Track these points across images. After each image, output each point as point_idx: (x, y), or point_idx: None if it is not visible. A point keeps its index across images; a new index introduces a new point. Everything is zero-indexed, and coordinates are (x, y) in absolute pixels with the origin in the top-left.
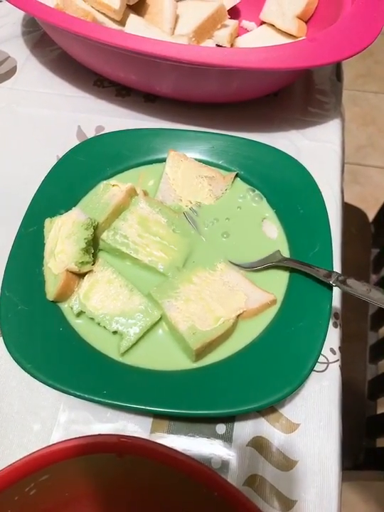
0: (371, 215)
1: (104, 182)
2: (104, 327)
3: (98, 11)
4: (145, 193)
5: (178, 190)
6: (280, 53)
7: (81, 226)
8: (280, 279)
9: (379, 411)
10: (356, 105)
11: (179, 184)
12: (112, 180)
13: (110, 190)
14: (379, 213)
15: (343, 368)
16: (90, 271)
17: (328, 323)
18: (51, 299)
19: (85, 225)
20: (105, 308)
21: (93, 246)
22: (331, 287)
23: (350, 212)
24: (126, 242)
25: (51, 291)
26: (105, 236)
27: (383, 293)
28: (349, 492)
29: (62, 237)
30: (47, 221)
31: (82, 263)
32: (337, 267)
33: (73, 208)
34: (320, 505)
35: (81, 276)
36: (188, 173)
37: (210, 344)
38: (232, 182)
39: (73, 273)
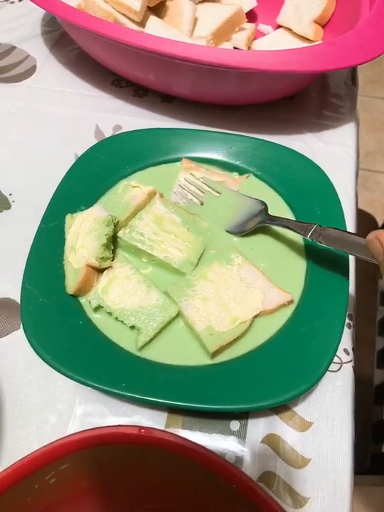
0: (380, 220)
1: (125, 182)
2: (122, 322)
3: (119, 12)
4: (161, 195)
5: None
6: (299, 56)
7: (102, 222)
8: (297, 277)
9: None
10: (365, 111)
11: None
12: (132, 181)
13: (131, 191)
14: None
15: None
16: (109, 267)
17: (344, 324)
18: (71, 293)
19: (106, 222)
20: (123, 304)
21: (113, 243)
22: (347, 285)
23: (359, 217)
24: (142, 239)
25: (71, 285)
26: (122, 233)
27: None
28: (355, 496)
29: (83, 233)
30: (68, 217)
31: (103, 259)
32: (351, 268)
33: (94, 205)
34: (333, 504)
35: (100, 271)
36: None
37: (226, 345)
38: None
39: (93, 268)
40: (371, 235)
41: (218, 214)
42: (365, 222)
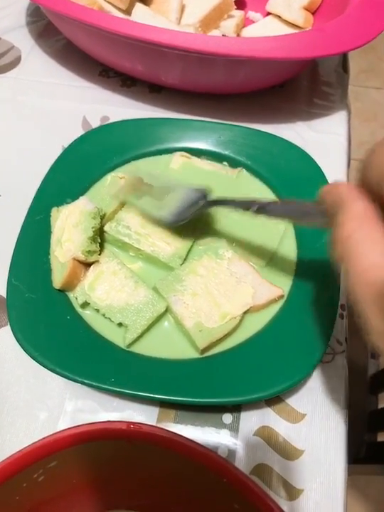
0: None
1: (112, 174)
2: (109, 319)
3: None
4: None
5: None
6: (288, 43)
7: (88, 215)
8: (287, 270)
9: (380, 406)
10: (358, 101)
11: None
12: (119, 173)
13: (118, 183)
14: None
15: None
16: (96, 261)
17: (337, 314)
18: (57, 288)
19: (92, 214)
20: (110, 300)
21: (100, 236)
22: (338, 279)
23: None
24: (129, 233)
25: (58, 279)
26: (108, 227)
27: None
28: (350, 486)
29: (70, 226)
30: (54, 210)
31: (89, 252)
32: None
33: (80, 198)
34: (326, 494)
35: (87, 266)
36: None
37: (216, 341)
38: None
39: (80, 262)
40: (326, 186)
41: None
42: None
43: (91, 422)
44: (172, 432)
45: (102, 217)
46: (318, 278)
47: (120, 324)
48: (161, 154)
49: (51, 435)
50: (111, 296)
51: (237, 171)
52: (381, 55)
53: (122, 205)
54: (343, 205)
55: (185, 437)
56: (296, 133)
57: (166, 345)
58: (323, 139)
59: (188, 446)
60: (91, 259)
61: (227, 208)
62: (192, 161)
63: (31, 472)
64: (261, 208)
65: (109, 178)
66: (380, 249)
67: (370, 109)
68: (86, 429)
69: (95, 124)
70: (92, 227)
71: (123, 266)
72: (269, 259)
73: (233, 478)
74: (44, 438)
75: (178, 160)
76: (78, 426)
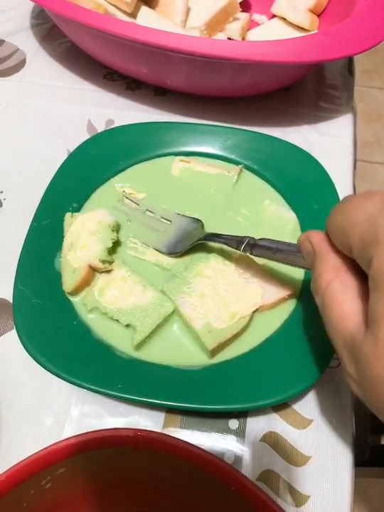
0: None
1: (119, 186)
2: (117, 320)
3: (109, 3)
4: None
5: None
6: (294, 47)
7: (108, 227)
8: (297, 270)
9: None
10: (362, 101)
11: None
12: (120, 178)
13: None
14: None
15: None
16: (108, 270)
17: None
18: (68, 291)
19: (112, 227)
20: (119, 304)
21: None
22: None
23: None
24: (135, 247)
25: (69, 283)
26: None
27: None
28: (355, 489)
29: (86, 234)
30: (67, 215)
31: (105, 261)
32: None
33: (99, 209)
34: (333, 500)
35: (97, 272)
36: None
37: (225, 342)
38: (239, 175)
39: (93, 269)
40: (302, 236)
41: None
42: None
43: (98, 429)
44: (178, 439)
45: (119, 230)
46: None
47: (128, 326)
48: (167, 156)
49: (59, 442)
50: (120, 300)
51: (238, 169)
52: None
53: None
54: (318, 256)
55: (191, 444)
56: (302, 136)
57: (173, 350)
58: (329, 142)
59: (194, 453)
60: (106, 268)
61: (220, 243)
62: (191, 166)
63: (39, 479)
64: (250, 246)
65: (113, 184)
66: (352, 299)
67: (374, 109)
68: (94, 436)
69: (100, 127)
70: (112, 239)
71: (132, 272)
72: (275, 264)
73: (240, 485)
74: (52, 445)
75: (177, 165)
76: (86, 433)
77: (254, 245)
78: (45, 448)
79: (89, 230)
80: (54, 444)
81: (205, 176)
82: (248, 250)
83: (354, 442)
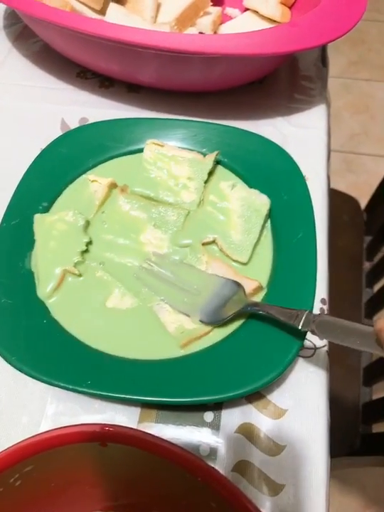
0: (365, 202)
1: (84, 176)
2: (94, 325)
3: (77, 0)
4: (124, 189)
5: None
6: (260, 39)
7: (80, 228)
8: (265, 268)
9: (374, 397)
10: (349, 93)
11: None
12: (91, 174)
13: (90, 185)
14: (371, 200)
15: (338, 355)
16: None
17: (312, 309)
18: (44, 297)
19: (83, 228)
20: (94, 308)
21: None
22: (315, 272)
23: (343, 201)
24: (109, 247)
25: (46, 289)
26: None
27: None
28: (346, 478)
29: (57, 236)
30: (37, 216)
31: (78, 263)
32: (322, 253)
33: (67, 210)
34: (309, 489)
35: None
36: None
37: (196, 339)
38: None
39: (67, 272)
40: (380, 323)
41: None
42: (349, 204)
43: (65, 426)
44: (144, 432)
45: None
46: (295, 274)
47: (104, 330)
48: (137, 153)
49: (25, 440)
50: (96, 305)
51: (214, 155)
52: (371, 46)
53: (100, 209)
54: None
55: (157, 437)
56: (276, 128)
57: (144, 344)
58: (303, 134)
59: (159, 445)
60: (80, 270)
61: (268, 315)
62: (165, 150)
63: (7, 476)
64: (310, 322)
65: (81, 180)
66: None
67: (361, 101)
68: (60, 432)
69: (74, 125)
70: (85, 241)
71: (109, 276)
72: (247, 257)
73: (207, 476)
74: (17, 443)
75: (150, 149)
76: (53, 430)
77: (315, 322)
78: (11, 446)
79: (60, 233)
80: (20, 442)
81: (179, 161)
82: (307, 327)
83: (329, 431)
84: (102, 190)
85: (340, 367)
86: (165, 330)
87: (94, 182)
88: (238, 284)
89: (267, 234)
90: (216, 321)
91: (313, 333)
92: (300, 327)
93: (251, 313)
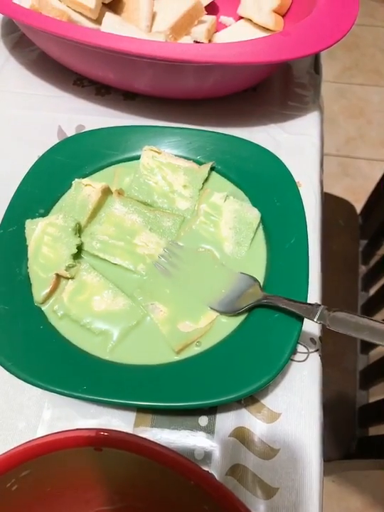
0: (361, 206)
1: (76, 180)
2: (89, 329)
3: (74, 10)
4: (120, 192)
5: (153, 182)
6: (253, 48)
7: (70, 231)
8: (258, 272)
9: (371, 400)
10: (344, 98)
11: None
12: (86, 179)
13: (84, 190)
14: (367, 204)
15: (335, 359)
16: (76, 275)
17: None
18: (40, 302)
19: (74, 231)
20: (90, 311)
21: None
22: (307, 278)
23: (338, 205)
24: (103, 248)
25: (39, 294)
26: (85, 244)
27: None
28: (343, 481)
29: (48, 241)
30: (28, 222)
31: (70, 267)
32: (315, 258)
33: (57, 213)
34: (302, 493)
35: (66, 278)
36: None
37: (191, 343)
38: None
39: (60, 276)
40: None
41: (195, 285)
42: (345, 209)
43: (60, 431)
44: (138, 437)
45: (81, 232)
46: (288, 279)
47: (99, 333)
48: (132, 161)
49: (22, 445)
50: (90, 307)
51: (209, 165)
52: (365, 51)
53: (94, 213)
54: None
55: (150, 441)
56: (270, 135)
57: (139, 349)
58: (297, 140)
59: (152, 449)
60: (73, 274)
61: (282, 309)
62: (161, 157)
63: (4, 481)
64: (325, 317)
65: (73, 184)
66: None
67: (356, 105)
68: (55, 437)
69: (70, 133)
70: (76, 244)
71: (101, 277)
72: (241, 261)
73: (199, 479)
74: (13, 448)
75: (148, 155)
76: (48, 435)
77: (329, 317)
78: (7, 451)
79: (51, 237)
80: (17, 447)
81: (174, 169)
82: (322, 320)
83: (322, 435)
84: (96, 194)
85: (336, 370)
86: (159, 332)
87: (87, 186)
88: (254, 278)
89: (260, 240)
90: (230, 311)
91: (326, 326)
92: (315, 320)
93: (246, 317)
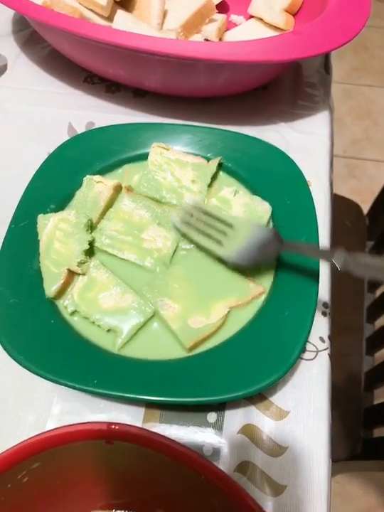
0: (367, 208)
1: (88, 176)
2: (98, 326)
3: (86, 7)
4: (129, 189)
5: (162, 177)
6: (265, 46)
7: (82, 227)
8: (269, 270)
9: (376, 401)
10: (351, 99)
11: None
12: (97, 176)
13: (95, 187)
14: (373, 205)
15: (340, 360)
16: (86, 271)
17: (314, 312)
18: (51, 297)
19: (86, 227)
20: (99, 308)
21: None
22: (317, 276)
23: (345, 206)
24: (112, 243)
25: (50, 289)
26: (95, 240)
27: None
28: (347, 482)
29: (60, 236)
30: (40, 217)
31: (81, 263)
32: None
33: (70, 210)
34: (310, 490)
35: (77, 274)
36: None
37: (202, 340)
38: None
39: (72, 272)
40: None
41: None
42: (351, 210)
43: (72, 424)
44: (148, 431)
45: (93, 228)
46: (297, 277)
47: (109, 330)
48: (143, 159)
49: (32, 437)
50: (99, 304)
51: (217, 160)
52: (373, 52)
53: (105, 210)
54: None
55: (161, 435)
56: (279, 134)
57: (151, 345)
58: (306, 140)
59: (164, 443)
60: (84, 270)
61: (302, 254)
62: (169, 153)
63: (15, 473)
64: (346, 260)
65: (85, 181)
66: None
67: (364, 106)
68: (67, 430)
69: (81, 129)
70: (88, 240)
71: (110, 274)
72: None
73: (210, 474)
74: (25, 440)
75: (156, 151)
76: (59, 427)
77: (351, 261)
78: (19, 443)
79: (63, 232)
80: (27, 439)
81: (182, 165)
82: (345, 265)
83: (330, 434)
84: (108, 191)
85: (341, 372)
86: (168, 328)
87: (99, 183)
88: (274, 230)
89: None
90: (251, 263)
91: (351, 271)
92: (340, 268)
93: (255, 316)
